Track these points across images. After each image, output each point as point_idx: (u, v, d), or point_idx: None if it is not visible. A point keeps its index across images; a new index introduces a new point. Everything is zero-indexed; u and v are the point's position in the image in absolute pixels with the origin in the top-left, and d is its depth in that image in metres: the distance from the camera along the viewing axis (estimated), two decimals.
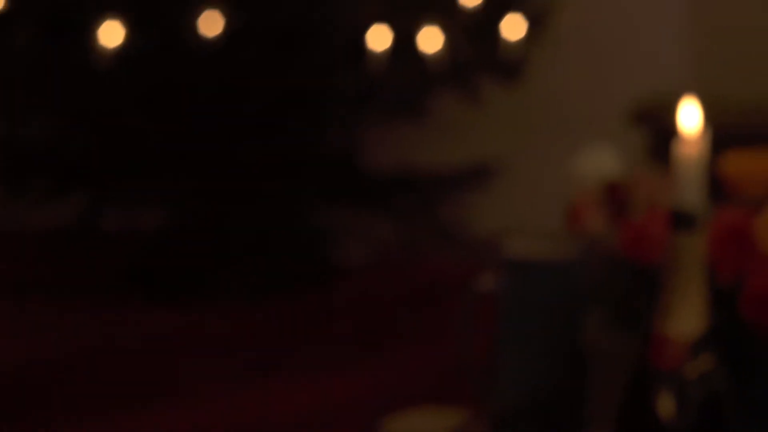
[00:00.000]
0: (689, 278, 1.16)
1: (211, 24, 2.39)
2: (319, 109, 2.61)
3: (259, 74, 2.48)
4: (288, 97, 2.53)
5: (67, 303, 2.59)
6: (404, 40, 2.58)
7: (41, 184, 2.62)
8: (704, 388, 1.18)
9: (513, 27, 2.75)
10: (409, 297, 2.75)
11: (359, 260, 2.91)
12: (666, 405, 1.16)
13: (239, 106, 2.51)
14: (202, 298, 2.62)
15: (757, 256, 1.22)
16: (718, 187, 1.35)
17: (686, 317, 1.17)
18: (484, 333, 1.49)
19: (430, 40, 2.62)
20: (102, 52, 2.36)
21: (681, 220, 1.16)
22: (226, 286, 2.65)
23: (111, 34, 2.36)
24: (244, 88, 2.49)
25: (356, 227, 2.91)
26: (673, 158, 1.17)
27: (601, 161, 1.40)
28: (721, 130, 2.48)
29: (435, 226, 2.87)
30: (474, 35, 2.75)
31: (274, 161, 2.62)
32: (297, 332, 2.48)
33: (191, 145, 2.56)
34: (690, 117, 1.19)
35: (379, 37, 2.54)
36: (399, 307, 2.68)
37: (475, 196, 2.90)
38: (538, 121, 3.15)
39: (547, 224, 1.52)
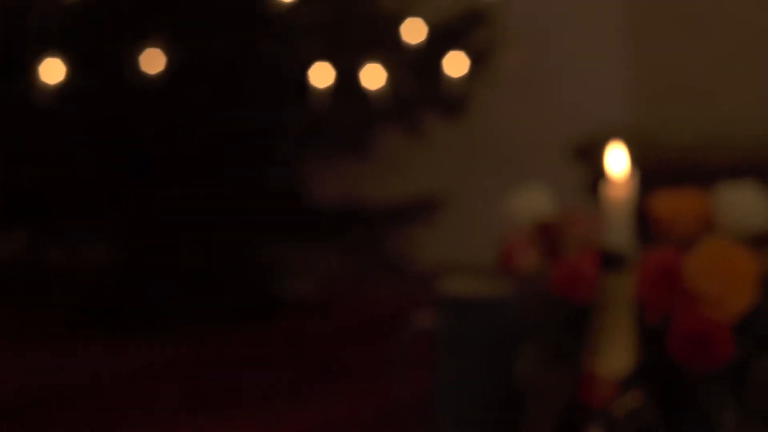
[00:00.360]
0: (618, 317, 1.19)
1: (153, 61, 2.40)
2: (263, 144, 2.62)
3: (202, 111, 2.49)
4: (232, 133, 2.55)
5: (10, 339, 2.59)
6: (347, 77, 2.60)
7: None
8: (633, 425, 1.20)
9: (456, 64, 2.78)
10: (355, 330, 2.77)
11: (306, 293, 2.92)
12: None
13: (183, 142, 2.52)
14: (147, 331, 2.62)
15: (684, 295, 1.24)
16: (648, 227, 1.37)
17: (615, 355, 1.19)
18: (422, 369, 1.50)
19: (374, 76, 2.64)
20: (43, 89, 2.36)
21: (609, 261, 1.18)
22: (172, 319, 2.65)
23: (52, 71, 2.37)
24: (188, 125, 2.50)
25: (303, 260, 2.92)
26: (601, 200, 1.19)
27: (534, 201, 1.42)
28: (658, 168, 2.53)
29: (380, 259, 2.89)
30: (417, 72, 2.78)
31: (219, 196, 2.63)
32: (242, 365, 2.49)
33: (136, 180, 2.56)
34: (617, 160, 1.21)
35: (322, 74, 2.55)
36: (344, 341, 2.69)
37: (420, 230, 2.92)
38: (481, 156, 3.18)
39: (490, 258, 1.54)
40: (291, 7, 2.49)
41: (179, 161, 2.58)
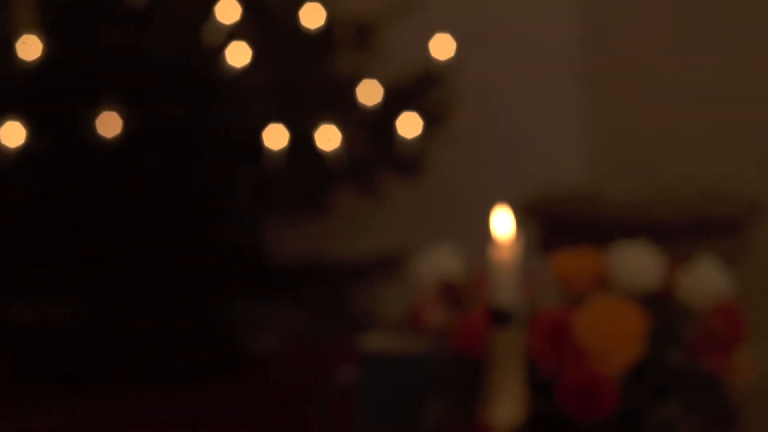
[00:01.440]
0: (508, 370, 1.26)
1: (109, 124, 2.48)
2: (218, 204, 2.69)
3: (158, 172, 2.57)
4: (187, 194, 2.62)
5: None
6: (302, 138, 2.67)
7: None
8: None
9: (410, 124, 2.86)
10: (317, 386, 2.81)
11: (268, 349, 2.97)
12: None
13: (140, 202, 2.60)
14: (109, 388, 2.68)
15: (573, 349, 1.31)
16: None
17: (506, 406, 1.26)
18: (345, 423, 1.57)
19: (329, 137, 2.71)
20: (3, 151, 2.45)
21: (498, 317, 1.26)
22: (133, 376, 2.71)
23: (12, 133, 2.45)
24: (144, 185, 2.58)
25: (265, 317, 2.98)
26: (489, 261, 1.27)
27: (442, 260, 1.49)
28: (608, 222, 2.60)
29: (342, 315, 2.95)
30: (372, 132, 2.85)
31: (177, 254, 2.70)
32: (205, 421, 2.53)
33: (94, 239, 2.63)
34: (503, 224, 1.29)
35: (276, 136, 2.63)
36: (306, 397, 2.73)
37: (381, 286, 2.98)
38: (438, 213, 3.25)
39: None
40: (243, 71, 2.57)
41: (137, 220, 2.65)
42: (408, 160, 2.89)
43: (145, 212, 2.64)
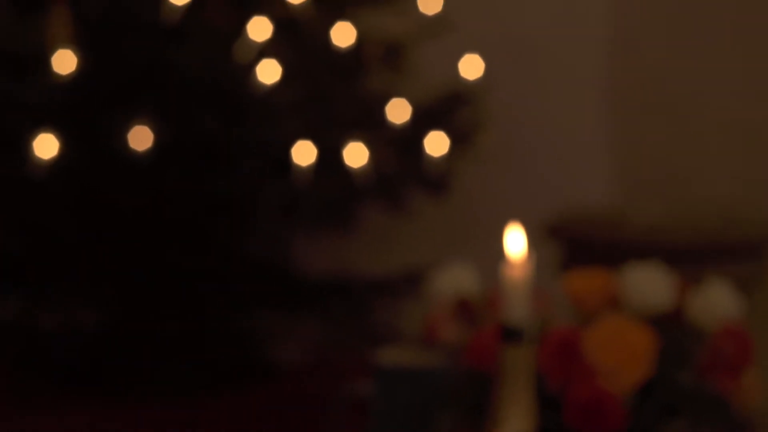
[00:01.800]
0: (517, 386, 1.29)
1: (141, 138, 2.53)
2: (246, 218, 2.73)
3: (188, 185, 2.61)
4: (216, 207, 2.66)
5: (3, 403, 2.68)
6: (330, 155, 2.71)
7: None
8: None
9: (438, 143, 2.89)
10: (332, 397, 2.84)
11: (291, 361, 3.01)
12: None
13: (169, 214, 2.64)
14: (137, 396, 2.72)
15: (582, 367, 1.34)
16: None
17: (514, 421, 1.29)
18: None
19: (357, 154, 2.74)
20: (37, 163, 2.50)
21: (509, 334, 1.29)
22: (160, 385, 2.75)
23: (46, 146, 2.50)
24: (174, 198, 2.62)
25: (290, 328, 3.01)
26: (501, 279, 1.30)
27: (458, 278, 1.53)
28: (630, 245, 2.62)
29: (365, 329, 2.98)
30: (400, 150, 2.89)
31: (204, 266, 2.74)
32: (222, 429, 2.56)
33: (123, 250, 2.68)
34: (515, 242, 1.32)
35: (304, 152, 2.67)
36: (323, 408, 2.76)
37: (404, 302, 3.01)
38: (464, 231, 3.28)
39: None
40: (273, 88, 2.61)
41: (166, 232, 2.70)
42: (434, 178, 2.93)
43: (174, 224, 2.69)
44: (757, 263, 2.56)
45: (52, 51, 2.53)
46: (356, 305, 2.97)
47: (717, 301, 1.47)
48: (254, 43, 2.63)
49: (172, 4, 2.55)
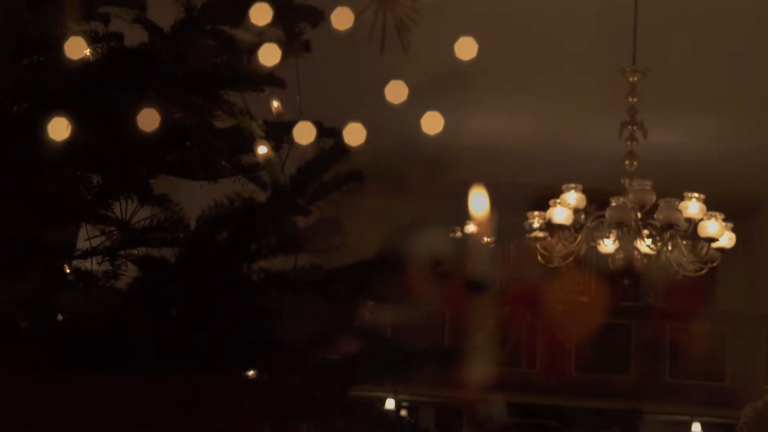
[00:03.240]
0: (482, 332, 1.42)
1: (149, 120, 2.65)
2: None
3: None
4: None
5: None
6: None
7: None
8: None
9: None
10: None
11: (296, 341, 3.09)
12: None
13: None
14: (146, 371, 2.81)
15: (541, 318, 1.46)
16: None
17: (479, 359, 1.42)
18: None
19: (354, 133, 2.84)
20: (51, 144, 2.62)
21: (473, 287, 1.42)
22: (167, 361, 2.84)
23: (58, 129, 2.63)
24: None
25: (295, 309, 3.09)
26: (466, 239, 1.43)
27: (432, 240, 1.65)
28: None
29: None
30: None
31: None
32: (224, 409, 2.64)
33: None
34: (478, 204, 1.44)
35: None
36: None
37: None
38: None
39: None
40: None
41: None
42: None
43: None
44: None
45: (64, 37, 2.65)
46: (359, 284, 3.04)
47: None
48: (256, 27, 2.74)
49: None
